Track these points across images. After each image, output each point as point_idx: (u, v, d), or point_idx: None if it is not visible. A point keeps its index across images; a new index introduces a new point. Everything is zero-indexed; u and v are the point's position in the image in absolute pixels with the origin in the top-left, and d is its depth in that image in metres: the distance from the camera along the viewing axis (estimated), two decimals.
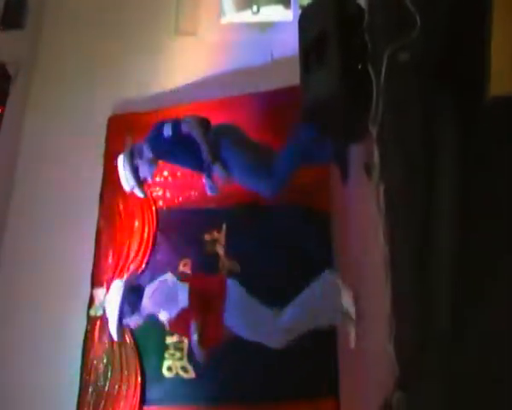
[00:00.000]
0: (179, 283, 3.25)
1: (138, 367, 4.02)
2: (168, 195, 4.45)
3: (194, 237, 4.25)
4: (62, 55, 5.06)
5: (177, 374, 3.99)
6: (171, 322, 3.31)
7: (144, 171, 3.47)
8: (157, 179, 4.32)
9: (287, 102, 4.08)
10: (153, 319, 3.39)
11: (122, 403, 3.99)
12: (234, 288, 3.29)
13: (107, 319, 3.53)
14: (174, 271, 4.04)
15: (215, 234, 4.22)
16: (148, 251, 4.31)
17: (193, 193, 4.35)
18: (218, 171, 3.31)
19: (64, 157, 4.66)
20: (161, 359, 4.02)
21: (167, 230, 4.37)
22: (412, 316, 1.93)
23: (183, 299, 3.18)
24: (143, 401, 3.98)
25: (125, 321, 3.39)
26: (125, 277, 3.99)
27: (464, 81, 2.02)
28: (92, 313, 4.19)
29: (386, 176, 2.12)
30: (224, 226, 4.21)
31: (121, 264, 4.30)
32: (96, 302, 4.19)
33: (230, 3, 4.71)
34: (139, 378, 3.99)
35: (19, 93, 4.92)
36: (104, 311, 3.87)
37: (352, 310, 3.10)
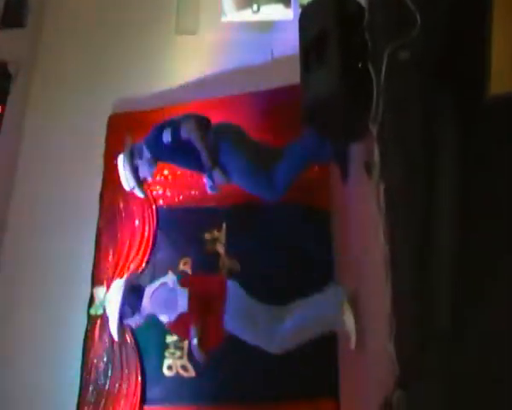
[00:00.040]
0: (179, 288, 3.24)
1: (138, 366, 4.02)
2: (168, 193, 4.45)
3: (195, 235, 4.25)
4: (63, 54, 5.05)
5: (177, 373, 3.99)
6: (170, 325, 3.31)
7: (144, 171, 3.46)
8: (157, 178, 4.32)
9: (287, 100, 4.07)
10: (153, 319, 3.39)
11: (122, 402, 3.99)
12: (234, 290, 3.28)
13: (107, 317, 3.54)
14: (174, 269, 4.06)
15: (215, 233, 4.22)
16: (149, 250, 4.31)
17: (193, 192, 4.34)
18: (217, 176, 3.32)
19: (64, 156, 4.66)
20: (161, 357, 4.02)
21: (167, 228, 4.37)
22: (412, 315, 1.93)
23: (182, 304, 3.18)
24: (144, 399, 3.98)
25: (125, 321, 3.40)
26: (126, 276, 3.98)
27: (464, 80, 2.01)
28: (92, 311, 4.18)
29: (387, 175, 2.11)
30: (224, 225, 4.21)
31: (121, 263, 4.30)
32: (97, 301, 4.19)
33: (231, 2, 4.71)
34: (139, 377, 3.99)
35: (19, 92, 4.91)
36: (104, 310, 3.87)
37: (352, 328, 3.08)
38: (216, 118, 3.58)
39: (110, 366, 4.07)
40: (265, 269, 3.95)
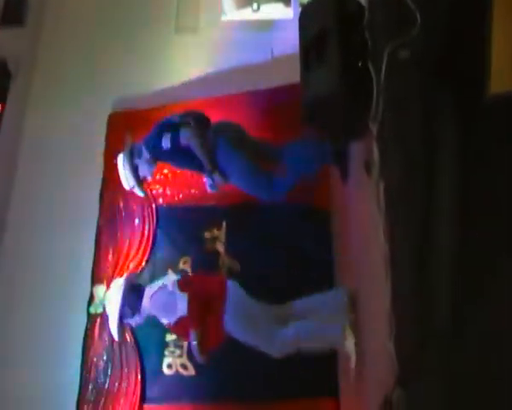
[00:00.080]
0: (178, 292, 3.24)
1: (138, 365, 4.02)
2: (168, 192, 4.45)
3: (195, 234, 4.25)
4: (63, 51, 5.05)
5: (177, 371, 3.99)
6: (170, 326, 3.32)
7: (144, 170, 3.47)
8: (157, 177, 4.32)
9: (287, 99, 4.08)
10: (153, 318, 3.40)
11: (122, 400, 3.99)
12: (234, 290, 3.28)
13: (107, 316, 3.54)
14: (174, 268, 4.07)
15: (215, 232, 4.22)
16: (149, 249, 4.31)
17: (193, 190, 4.35)
18: (217, 179, 3.32)
19: (64, 154, 4.66)
20: (161, 356, 4.02)
21: (167, 227, 4.37)
22: (412, 314, 1.93)
23: (182, 308, 3.18)
24: (143, 398, 3.99)
25: (125, 321, 3.40)
26: (126, 275, 3.98)
27: (464, 79, 2.01)
28: (92, 310, 4.19)
29: (386, 174, 2.11)
30: (224, 224, 4.22)
31: (121, 261, 4.31)
32: (96, 300, 4.19)
33: (231, 1, 4.71)
34: (139, 376, 4.00)
35: (19, 90, 4.92)
36: (104, 308, 3.88)
37: (352, 350, 3.07)
38: (216, 116, 3.59)
39: (110, 365, 4.08)
40: (265, 268, 3.95)
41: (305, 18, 2.77)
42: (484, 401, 1.76)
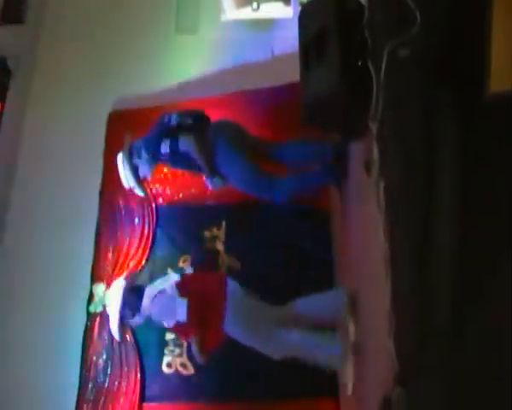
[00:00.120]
0: (178, 298, 3.23)
1: (138, 364, 4.02)
2: (168, 191, 4.45)
3: (194, 233, 4.26)
4: (63, 50, 5.05)
5: (176, 370, 3.99)
6: (170, 328, 3.32)
7: (144, 170, 3.47)
8: (157, 176, 4.32)
9: (287, 98, 4.08)
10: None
11: (122, 399, 3.99)
12: (234, 290, 3.28)
13: (106, 315, 3.54)
14: (174, 267, 4.06)
15: (215, 231, 4.22)
16: (148, 247, 4.31)
17: (193, 190, 4.35)
18: (216, 182, 3.33)
19: (64, 153, 4.67)
20: (161, 355, 4.02)
21: (167, 226, 4.38)
22: (412, 313, 1.93)
23: (181, 313, 3.17)
24: (143, 397, 3.99)
25: (126, 321, 3.40)
26: (125, 275, 3.98)
27: (464, 78, 2.01)
28: (92, 309, 4.18)
29: (386, 173, 2.11)
30: (224, 223, 4.22)
31: (121, 260, 4.31)
32: (96, 299, 4.19)
33: (230, 1, 4.71)
34: (139, 375, 4.00)
35: (19, 88, 4.92)
36: (104, 307, 3.88)
37: (349, 377, 3.05)
38: (216, 116, 3.58)
39: (109, 364, 4.08)
40: (264, 267, 3.95)
41: (304, 17, 2.77)
42: (484, 400, 1.76)
